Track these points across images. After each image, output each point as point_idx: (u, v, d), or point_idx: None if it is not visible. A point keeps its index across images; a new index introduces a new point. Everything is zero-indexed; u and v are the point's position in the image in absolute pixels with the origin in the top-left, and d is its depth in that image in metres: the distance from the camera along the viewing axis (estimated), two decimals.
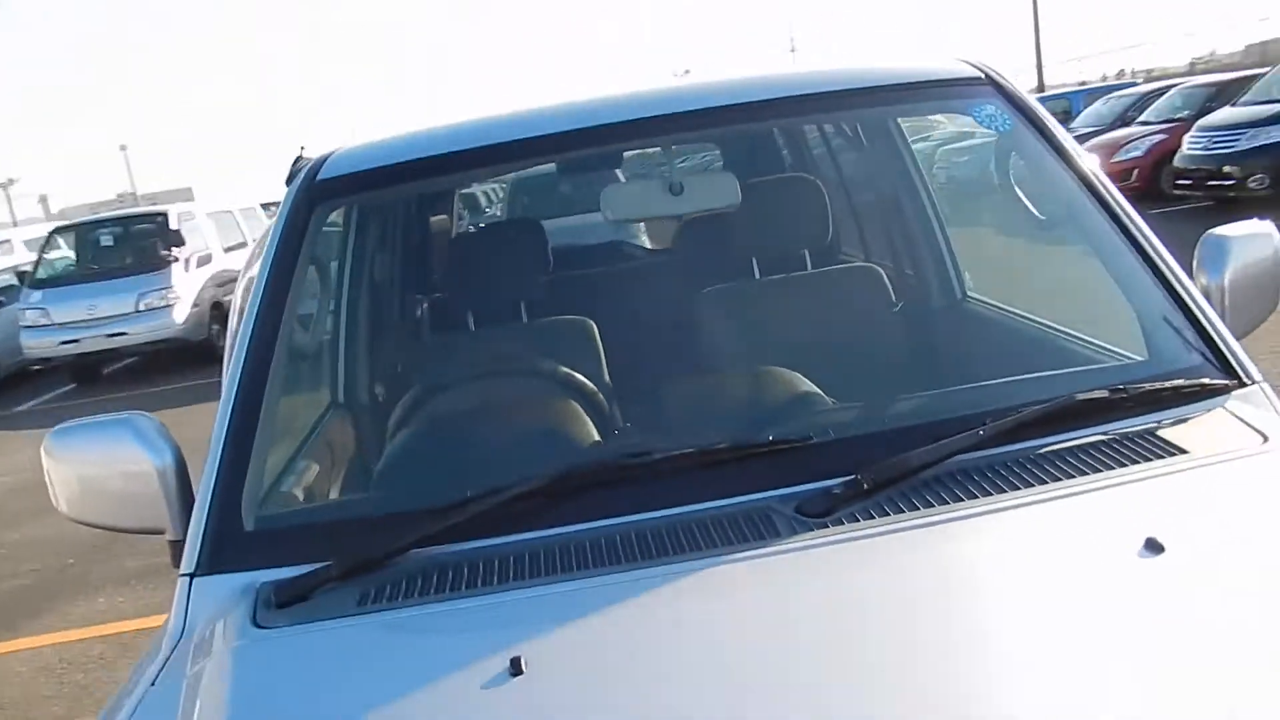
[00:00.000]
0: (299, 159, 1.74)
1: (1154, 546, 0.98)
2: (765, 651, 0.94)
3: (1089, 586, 0.99)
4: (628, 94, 1.69)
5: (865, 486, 1.15)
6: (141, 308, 10.57)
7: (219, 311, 11.44)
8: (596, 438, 1.44)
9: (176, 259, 10.92)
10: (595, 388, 1.52)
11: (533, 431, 1.43)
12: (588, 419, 1.46)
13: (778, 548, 1.09)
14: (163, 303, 10.64)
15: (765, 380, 1.51)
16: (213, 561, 1.30)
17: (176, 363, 10.85)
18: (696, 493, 1.21)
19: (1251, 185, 9.62)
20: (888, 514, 1.12)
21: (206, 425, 1.41)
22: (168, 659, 1.18)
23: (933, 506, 1.12)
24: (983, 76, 1.69)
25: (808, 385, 1.47)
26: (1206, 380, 1.29)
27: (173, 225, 11.11)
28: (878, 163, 2.24)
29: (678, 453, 1.24)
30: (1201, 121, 11.00)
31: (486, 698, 0.93)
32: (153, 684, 1.13)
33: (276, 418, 1.45)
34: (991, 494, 1.13)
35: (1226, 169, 9.92)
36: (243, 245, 13.17)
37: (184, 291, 10.77)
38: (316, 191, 1.62)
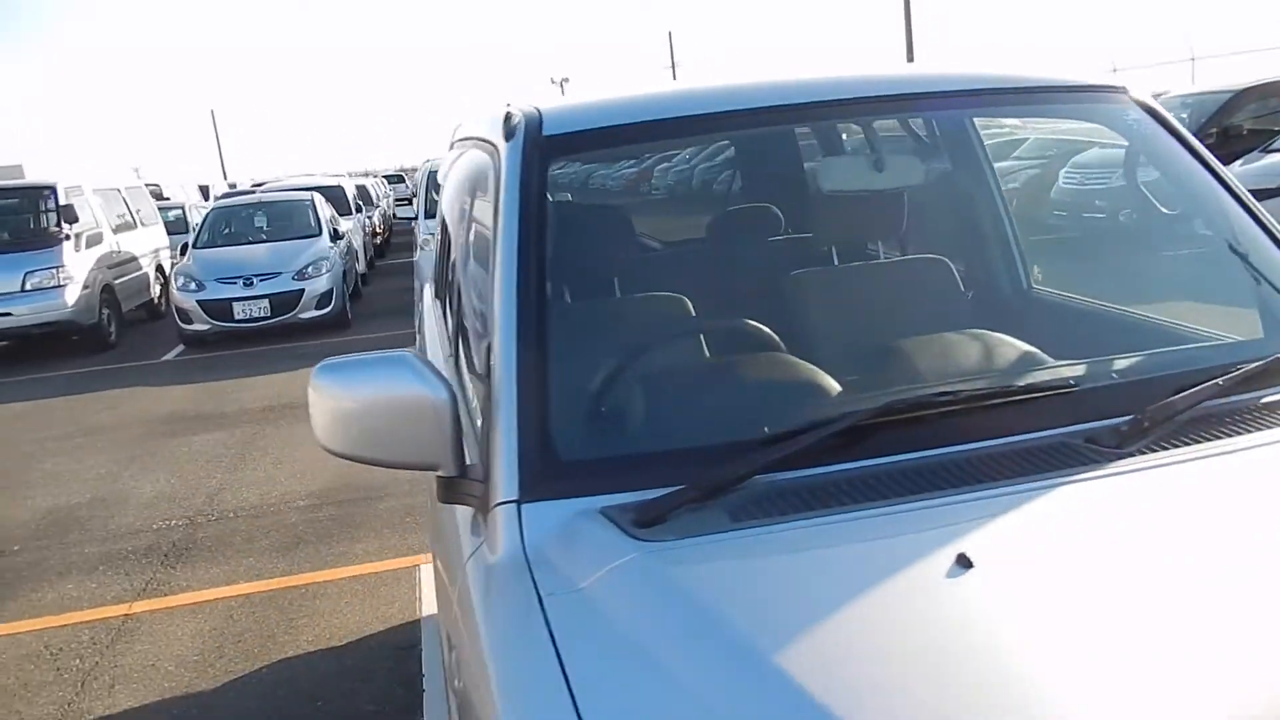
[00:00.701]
0: (509, 114, 1.78)
1: None
2: (1155, 557, 1.10)
3: None
4: (828, 75, 1.83)
5: (1145, 425, 1.33)
6: (28, 287, 9.87)
7: (110, 296, 10.83)
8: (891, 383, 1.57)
9: (68, 236, 10.25)
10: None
11: (818, 376, 1.55)
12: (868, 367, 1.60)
13: (1098, 473, 1.25)
14: (52, 283, 9.96)
15: (991, 340, 1.68)
16: (536, 490, 1.35)
17: (64, 348, 10.20)
18: (996, 428, 1.36)
19: None
20: (1172, 447, 1.30)
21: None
22: (534, 578, 1.23)
23: (1205, 442, 1.31)
24: (1124, 87, 1.92)
25: (1025, 345, 1.65)
26: None
27: (62, 200, 10.42)
28: (975, 160, 2.45)
29: (987, 390, 1.38)
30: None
31: (951, 586, 1.05)
32: (541, 602, 1.18)
33: (560, 356, 1.51)
34: (1246, 432, 1.33)
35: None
36: (131, 227, 12.48)
37: (75, 272, 10.12)
38: (547, 146, 1.68)
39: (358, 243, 13.07)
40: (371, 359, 1.49)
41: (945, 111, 1.94)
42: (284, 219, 10.75)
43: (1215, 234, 1.82)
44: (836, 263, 2.08)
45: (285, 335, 10.04)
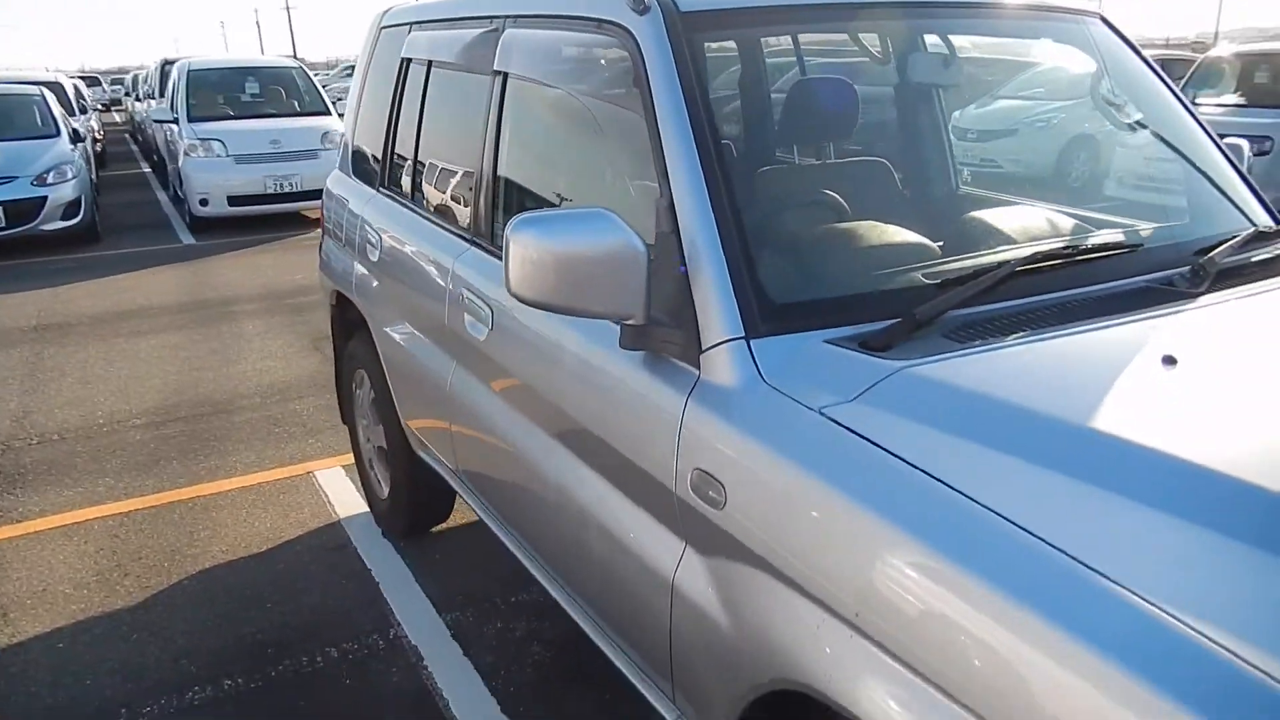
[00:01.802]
0: None
1: None
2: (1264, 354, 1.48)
3: None
4: None
5: (1202, 273, 1.70)
6: None
7: None
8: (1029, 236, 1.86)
9: None
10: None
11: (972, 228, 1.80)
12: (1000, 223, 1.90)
13: (1197, 303, 1.61)
14: None
15: (1047, 212, 2.01)
16: (758, 329, 1.51)
17: None
18: (1093, 276, 1.69)
19: None
20: (1239, 283, 1.69)
21: None
22: (794, 398, 1.39)
23: (1247, 284, 1.71)
24: (1096, 11, 2.31)
25: (1074, 219, 1.99)
26: None
27: None
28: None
29: (1119, 240, 1.74)
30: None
31: (1163, 373, 1.36)
32: (823, 413, 1.35)
33: (750, 214, 1.64)
34: (1269, 278, 1.75)
35: None
36: None
37: None
38: (689, 22, 1.77)
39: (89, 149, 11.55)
40: (574, 213, 1.55)
41: (926, 21, 2.21)
42: (10, 116, 9.27)
43: (1170, 138, 2.25)
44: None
45: (26, 250, 8.78)
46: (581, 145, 2.19)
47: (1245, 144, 2.36)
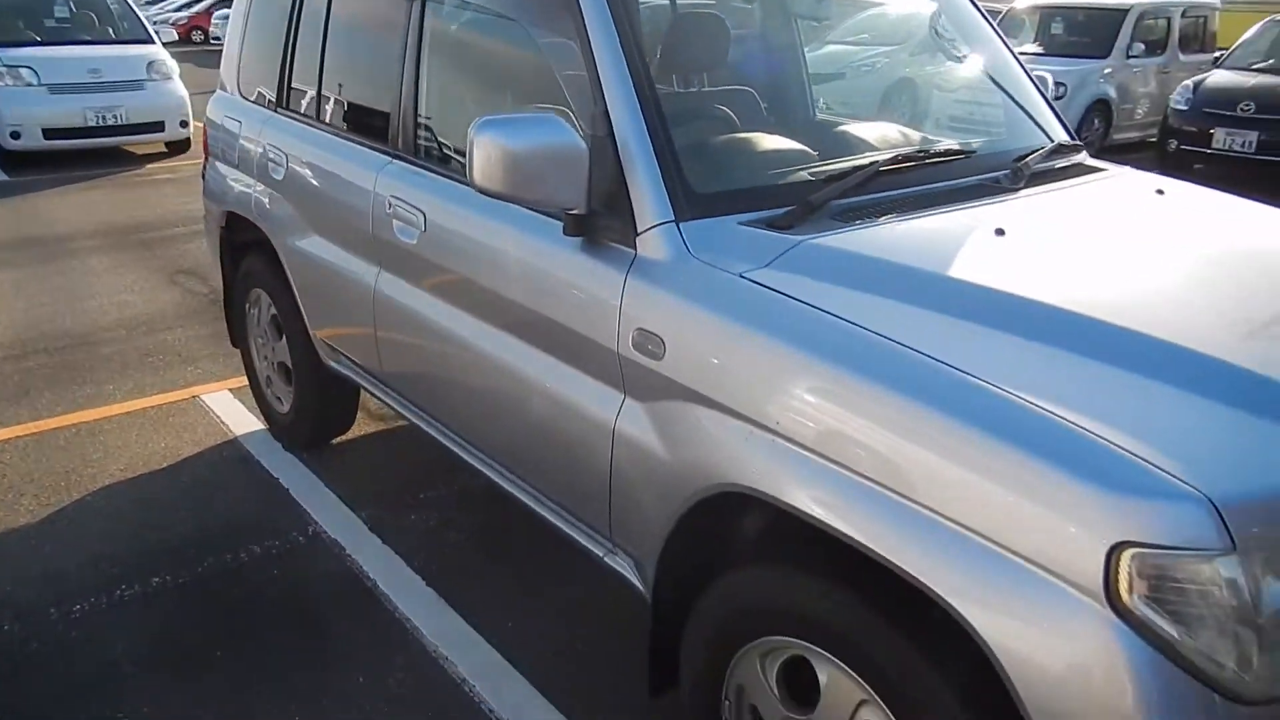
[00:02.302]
0: None
1: (1160, 191, 2.20)
2: (1074, 228, 1.94)
3: (1144, 208, 2.16)
4: None
5: (1019, 173, 2.15)
6: None
7: None
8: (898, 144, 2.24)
9: None
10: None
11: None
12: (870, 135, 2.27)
13: (1020, 194, 2.06)
14: None
15: (895, 127, 2.41)
16: (684, 213, 1.82)
17: None
18: (937, 175, 2.10)
19: None
20: (1047, 183, 2.15)
21: None
22: (719, 268, 1.72)
23: (1052, 182, 2.17)
24: None
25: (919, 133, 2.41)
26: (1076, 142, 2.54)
27: None
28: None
29: (958, 150, 2.18)
30: None
31: (996, 241, 1.77)
32: (744, 276, 1.69)
33: (671, 117, 1.94)
34: (1072, 177, 2.23)
35: None
36: None
37: None
38: None
39: None
40: (528, 116, 1.82)
41: None
42: None
43: (992, 70, 2.69)
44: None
45: None
46: (503, 63, 2.42)
47: (1050, 76, 2.88)
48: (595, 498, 2.00)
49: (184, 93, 9.56)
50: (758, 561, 1.73)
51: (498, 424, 2.30)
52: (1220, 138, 8.61)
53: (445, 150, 2.47)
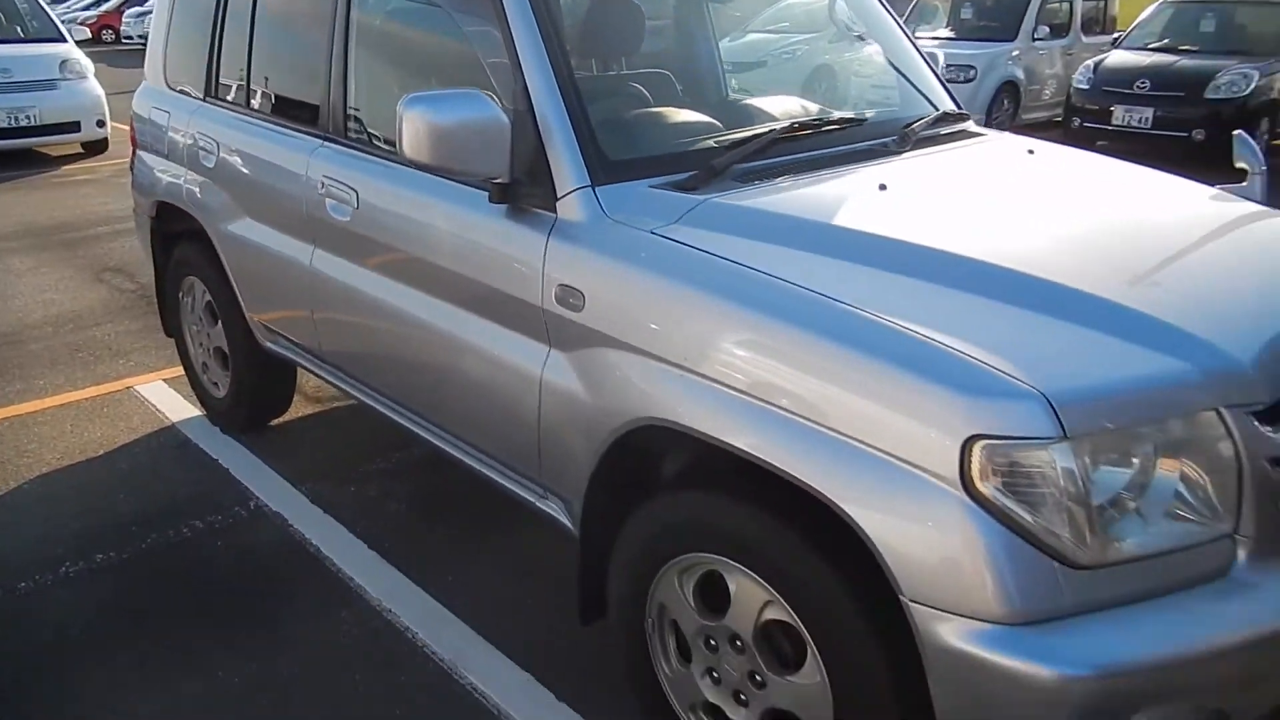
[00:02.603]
0: None
1: (1031, 151, 2.45)
2: (960, 182, 2.18)
3: (1015, 166, 2.39)
4: None
5: (905, 138, 2.37)
6: None
7: None
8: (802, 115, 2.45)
9: None
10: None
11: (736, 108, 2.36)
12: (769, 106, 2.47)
13: (904, 156, 2.28)
14: None
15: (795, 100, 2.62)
16: (599, 178, 1.99)
17: None
18: (832, 141, 2.30)
19: None
20: (930, 147, 2.38)
21: None
22: (633, 226, 1.90)
23: (934, 145, 2.40)
24: None
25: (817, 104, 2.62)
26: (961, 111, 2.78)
27: None
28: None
29: (850, 118, 2.40)
30: None
31: (878, 195, 1.98)
32: (654, 232, 1.86)
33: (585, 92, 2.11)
34: (953, 141, 2.46)
35: None
36: None
37: None
38: None
39: None
40: (453, 92, 1.97)
41: None
42: None
43: (886, 48, 2.92)
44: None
45: None
46: (427, 48, 2.56)
47: (941, 54, 3.12)
48: (526, 445, 2.16)
49: (100, 92, 9.40)
50: (672, 488, 1.91)
51: (434, 387, 2.44)
52: (1119, 114, 9.09)
53: (374, 131, 2.60)
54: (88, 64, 9.52)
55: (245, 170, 3.04)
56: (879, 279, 1.69)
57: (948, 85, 2.86)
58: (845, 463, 1.54)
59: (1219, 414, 1.50)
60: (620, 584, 2.01)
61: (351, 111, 2.64)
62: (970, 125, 2.66)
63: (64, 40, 9.75)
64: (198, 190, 3.28)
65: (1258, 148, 2.48)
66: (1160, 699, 1.48)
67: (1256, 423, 1.53)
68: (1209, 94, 8.68)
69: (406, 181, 2.35)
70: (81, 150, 9.61)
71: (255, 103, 3.07)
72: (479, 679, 2.34)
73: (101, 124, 9.42)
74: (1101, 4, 11.71)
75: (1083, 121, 9.38)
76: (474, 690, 2.30)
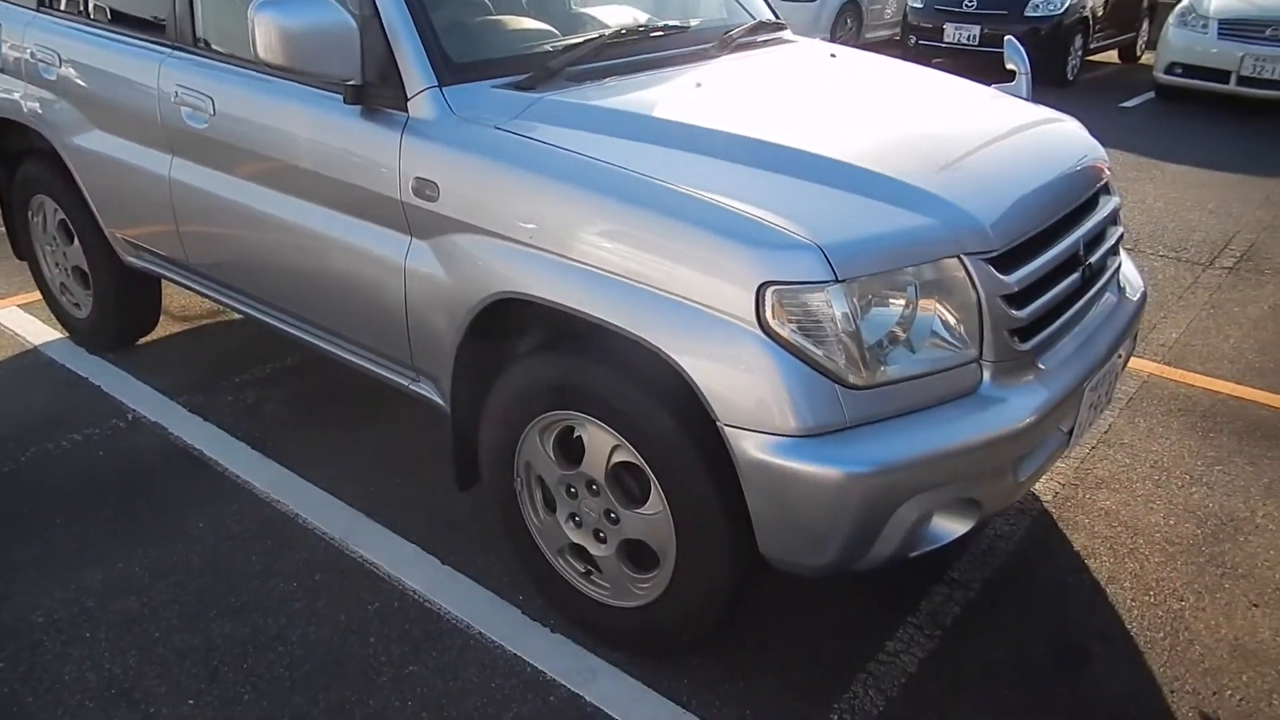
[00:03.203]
0: None
1: (833, 55, 2.75)
2: (764, 80, 2.48)
3: (817, 67, 2.71)
4: None
5: (723, 44, 2.65)
6: None
7: None
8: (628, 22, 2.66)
9: None
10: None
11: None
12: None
13: (719, 58, 2.58)
14: None
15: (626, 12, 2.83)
16: (446, 80, 2.18)
17: None
18: (660, 46, 2.56)
19: None
20: (738, 51, 2.67)
21: None
22: (477, 122, 2.11)
23: (748, 50, 2.69)
24: None
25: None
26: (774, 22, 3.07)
27: None
28: None
29: (675, 25, 2.67)
30: None
31: (695, 91, 2.26)
32: (498, 128, 2.08)
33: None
34: (766, 47, 2.75)
35: None
36: None
37: None
38: None
39: None
40: None
41: None
42: None
43: None
44: None
45: None
46: None
47: None
48: (395, 330, 2.37)
49: None
50: (529, 355, 2.18)
51: (304, 286, 2.60)
52: (950, 32, 9.67)
53: (226, 39, 2.68)
54: None
55: (91, 82, 3.04)
56: (689, 160, 1.97)
57: (770, 3, 3.15)
58: (665, 314, 1.83)
59: (960, 260, 1.87)
60: (489, 449, 2.27)
61: (199, 20, 2.71)
62: (786, 34, 2.96)
63: None
64: (39, 105, 3.25)
65: (1023, 52, 2.86)
66: (923, 488, 1.86)
67: (992, 269, 1.91)
68: (1028, 12, 9.34)
69: (263, 87, 2.48)
70: None
71: (93, 13, 3.06)
72: (369, 552, 2.58)
73: None
74: None
75: (918, 39, 9.93)
76: (365, 562, 2.55)
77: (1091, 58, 10.35)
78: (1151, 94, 9.21)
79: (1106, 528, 2.75)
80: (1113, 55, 11.19)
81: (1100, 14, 9.94)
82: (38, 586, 2.45)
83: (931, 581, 2.51)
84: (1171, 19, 8.91)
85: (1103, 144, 2.57)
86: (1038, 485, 2.91)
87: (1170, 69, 8.76)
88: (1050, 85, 9.26)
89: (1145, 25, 11.22)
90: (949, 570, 2.55)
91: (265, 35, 2.07)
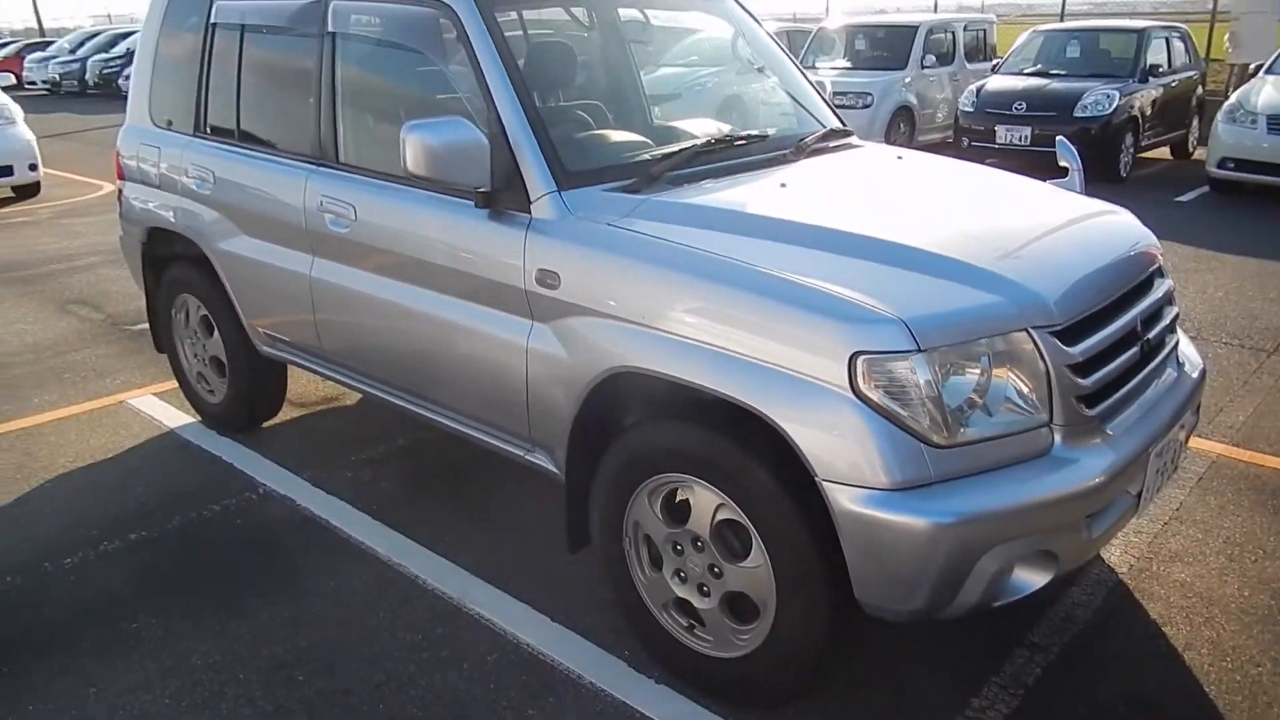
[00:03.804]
0: None
1: (900, 157, 3.07)
2: (852, 180, 2.80)
3: (886, 166, 3.01)
4: None
5: (800, 149, 2.97)
6: None
7: None
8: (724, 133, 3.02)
9: None
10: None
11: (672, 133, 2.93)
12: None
13: (799, 161, 2.90)
14: None
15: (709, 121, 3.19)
16: (563, 185, 2.53)
17: None
18: (747, 151, 2.89)
19: None
20: (816, 154, 2.99)
21: None
22: (591, 220, 2.44)
23: (822, 155, 3.02)
24: None
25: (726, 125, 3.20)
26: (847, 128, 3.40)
27: None
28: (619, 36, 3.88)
29: (756, 134, 3.00)
30: None
31: (780, 190, 2.57)
32: (610, 224, 2.40)
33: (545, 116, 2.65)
34: (837, 151, 3.08)
35: None
36: None
37: None
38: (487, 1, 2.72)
39: None
40: (443, 120, 2.49)
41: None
42: None
43: (778, 78, 3.55)
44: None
45: None
46: (409, 84, 3.07)
47: (829, 82, 3.76)
48: (515, 404, 2.66)
49: (30, 136, 9.58)
50: (640, 424, 2.44)
51: (430, 365, 2.92)
52: (1002, 134, 10.03)
53: (365, 157, 3.09)
54: (17, 110, 9.69)
55: (242, 195, 3.48)
56: (781, 249, 2.27)
57: (834, 107, 3.50)
58: (767, 383, 2.09)
59: (1029, 334, 2.10)
60: (601, 511, 2.52)
61: (343, 140, 3.13)
62: (852, 139, 3.29)
63: None
64: (191, 216, 3.70)
65: (1074, 150, 3.14)
66: (1003, 540, 2.05)
67: (1057, 341, 2.14)
68: (1077, 113, 9.67)
69: (403, 196, 2.86)
70: (13, 194, 9.76)
71: (247, 136, 3.52)
72: (485, 610, 2.81)
73: (34, 168, 9.60)
74: (981, 33, 12.80)
75: (971, 141, 10.30)
76: (482, 618, 2.78)
77: (1144, 154, 10.60)
78: (1205, 188, 9.39)
79: (1181, 598, 2.85)
80: (1165, 152, 11.43)
81: (1149, 113, 10.22)
82: (193, 634, 2.72)
83: (1012, 645, 2.65)
84: (1220, 115, 9.14)
85: (1160, 236, 2.80)
86: (1113, 558, 3.04)
87: (1223, 164, 8.96)
88: (1105, 182, 9.51)
89: (1195, 122, 11.47)
90: (1029, 634, 2.69)
91: (414, 152, 2.44)
